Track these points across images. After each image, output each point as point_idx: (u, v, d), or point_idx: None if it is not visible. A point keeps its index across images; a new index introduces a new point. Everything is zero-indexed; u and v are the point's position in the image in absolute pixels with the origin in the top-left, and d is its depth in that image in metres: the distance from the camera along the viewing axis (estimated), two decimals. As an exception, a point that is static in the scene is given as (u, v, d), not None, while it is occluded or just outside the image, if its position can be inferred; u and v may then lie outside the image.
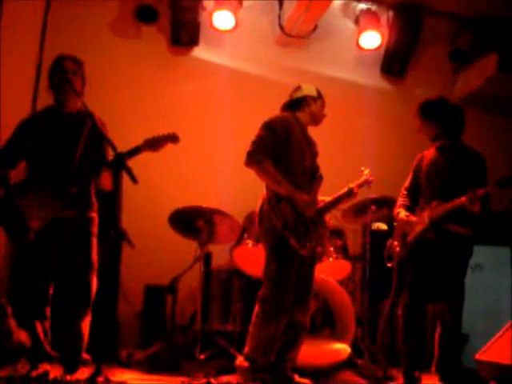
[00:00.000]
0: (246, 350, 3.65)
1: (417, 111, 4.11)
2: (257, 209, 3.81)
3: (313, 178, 3.87)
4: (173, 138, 3.62)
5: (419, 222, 3.94)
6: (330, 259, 4.77)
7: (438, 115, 4.03)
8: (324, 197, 3.97)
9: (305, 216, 3.66)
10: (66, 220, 3.55)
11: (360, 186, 4.05)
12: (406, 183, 4.23)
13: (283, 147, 3.71)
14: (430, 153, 4.12)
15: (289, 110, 3.95)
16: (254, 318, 3.67)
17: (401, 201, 4.20)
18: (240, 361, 3.67)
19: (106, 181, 3.66)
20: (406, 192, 4.20)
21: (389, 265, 4.08)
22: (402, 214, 4.09)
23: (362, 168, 4.16)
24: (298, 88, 3.98)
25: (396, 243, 4.06)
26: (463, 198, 3.67)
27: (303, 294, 3.73)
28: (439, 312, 3.86)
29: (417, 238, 3.93)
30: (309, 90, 3.97)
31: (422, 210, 3.97)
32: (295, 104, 3.95)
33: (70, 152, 3.62)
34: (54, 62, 3.74)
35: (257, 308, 3.67)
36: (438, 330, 3.87)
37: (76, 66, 3.71)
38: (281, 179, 3.65)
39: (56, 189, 3.51)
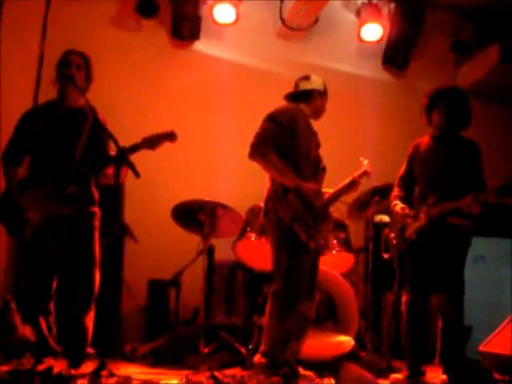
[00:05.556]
0: (263, 346, 3.62)
1: (429, 99, 4.00)
2: (261, 202, 3.78)
3: (316, 169, 3.84)
4: (170, 137, 3.57)
5: (417, 218, 3.88)
6: (333, 252, 4.76)
7: (446, 102, 3.93)
8: (326, 189, 3.96)
9: (314, 207, 3.62)
10: (65, 216, 3.53)
11: (360, 176, 4.01)
12: (401, 172, 4.16)
13: (288, 139, 3.67)
14: (424, 141, 4.05)
15: (293, 101, 3.92)
16: (268, 315, 3.64)
17: (396, 191, 4.13)
18: (258, 358, 3.62)
19: (108, 177, 3.63)
20: (401, 181, 4.14)
21: (385, 256, 4.07)
22: (398, 207, 4.02)
23: (362, 158, 4.10)
24: (308, 78, 3.93)
25: (392, 235, 4.04)
26: (463, 202, 3.63)
27: (310, 287, 3.70)
28: (440, 304, 3.86)
29: (414, 234, 3.89)
30: (318, 83, 3.93)
31: (418, 203, 3.93)
32: (301, 96, 3.91)
33: (71, 148, 3.60)
34: (62, 55, 3.71)
35: (271, 304, 3.64)
36: (440, 322, 3.88)
37: (82, 61, 3.68)
38: (286, 170, 3.61)
39: (56, 186, 3.50)
